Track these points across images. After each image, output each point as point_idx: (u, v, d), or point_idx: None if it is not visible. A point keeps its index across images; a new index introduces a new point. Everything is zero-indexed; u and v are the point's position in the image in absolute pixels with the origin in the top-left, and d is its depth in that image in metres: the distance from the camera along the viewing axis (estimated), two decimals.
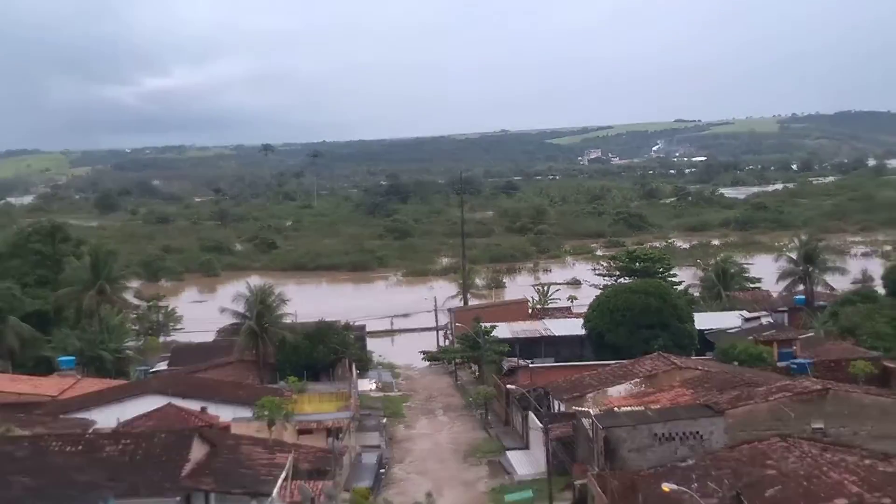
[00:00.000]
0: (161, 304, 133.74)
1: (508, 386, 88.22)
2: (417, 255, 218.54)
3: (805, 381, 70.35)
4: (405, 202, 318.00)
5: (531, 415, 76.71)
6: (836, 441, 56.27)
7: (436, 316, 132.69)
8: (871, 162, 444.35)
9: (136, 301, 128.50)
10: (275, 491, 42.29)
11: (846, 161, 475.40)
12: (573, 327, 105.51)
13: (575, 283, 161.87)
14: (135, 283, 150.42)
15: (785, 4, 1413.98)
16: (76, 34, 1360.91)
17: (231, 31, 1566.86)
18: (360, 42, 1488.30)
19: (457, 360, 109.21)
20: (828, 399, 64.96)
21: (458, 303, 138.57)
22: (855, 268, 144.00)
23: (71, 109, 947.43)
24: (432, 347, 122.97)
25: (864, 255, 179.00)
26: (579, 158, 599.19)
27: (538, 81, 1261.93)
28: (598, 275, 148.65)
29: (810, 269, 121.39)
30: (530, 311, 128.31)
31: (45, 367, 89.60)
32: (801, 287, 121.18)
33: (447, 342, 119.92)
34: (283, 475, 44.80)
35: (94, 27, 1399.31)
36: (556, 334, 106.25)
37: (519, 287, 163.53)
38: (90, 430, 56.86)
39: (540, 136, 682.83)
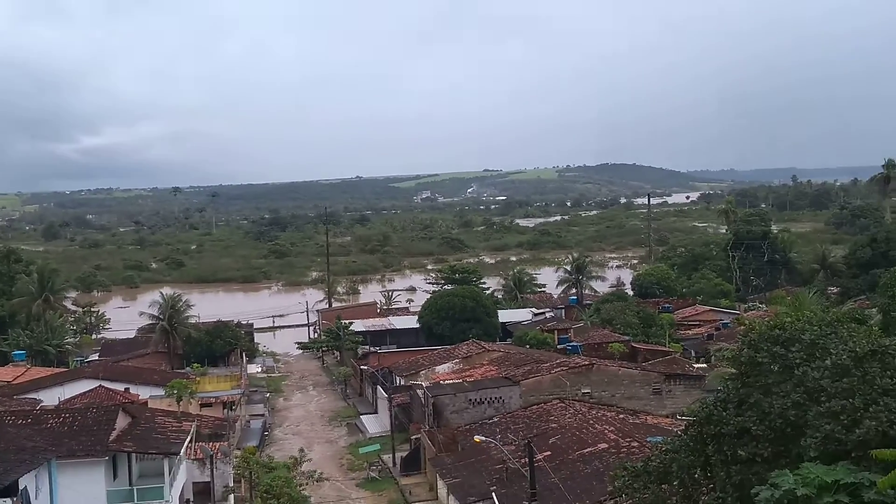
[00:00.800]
0: (93, 309, 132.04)
1: (362, 367, 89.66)
2: (293, 270, 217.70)
3: (577, 359, 72.95)
4: (284, 230, 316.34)
5: (379, 388, 78.23)
6: (599, 402, 59.98)
7: (307, 315, 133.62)
8: (623, 200, 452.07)
9: (73, 307, 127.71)
10: (182, 451, 41.83)
11: (605, 200, 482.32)
12: (410, 322, 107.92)
13: (411, 289, 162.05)
14: (72, 294, 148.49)
15: (560, 90, 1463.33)
16: (31, 105, 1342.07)
17: (150, 103, 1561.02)
18: (251, 107, 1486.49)
19: (323, 349, 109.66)
20: (593, 371, 68.04)
21: (324, 305, 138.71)
22: (611, 276, 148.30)
23: (23, 161, 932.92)
24: (304, 339, 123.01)
25: (618, 266, 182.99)
26: (414, 197, 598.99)
27: (385, 136, 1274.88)
28: (429, 283, 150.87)
29: (580, 277, 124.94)
30: (378, 310, 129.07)
31: (2, 360, 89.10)
32: (573, 290, 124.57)
33: (316, 335, 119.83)
34: (188, 439, 44.25)
35: (44, 99, 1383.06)
36: (398, 327, 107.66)
37: (370, 293, 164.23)
38: (37, 408, 55.85)
39: (385, 181, 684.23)
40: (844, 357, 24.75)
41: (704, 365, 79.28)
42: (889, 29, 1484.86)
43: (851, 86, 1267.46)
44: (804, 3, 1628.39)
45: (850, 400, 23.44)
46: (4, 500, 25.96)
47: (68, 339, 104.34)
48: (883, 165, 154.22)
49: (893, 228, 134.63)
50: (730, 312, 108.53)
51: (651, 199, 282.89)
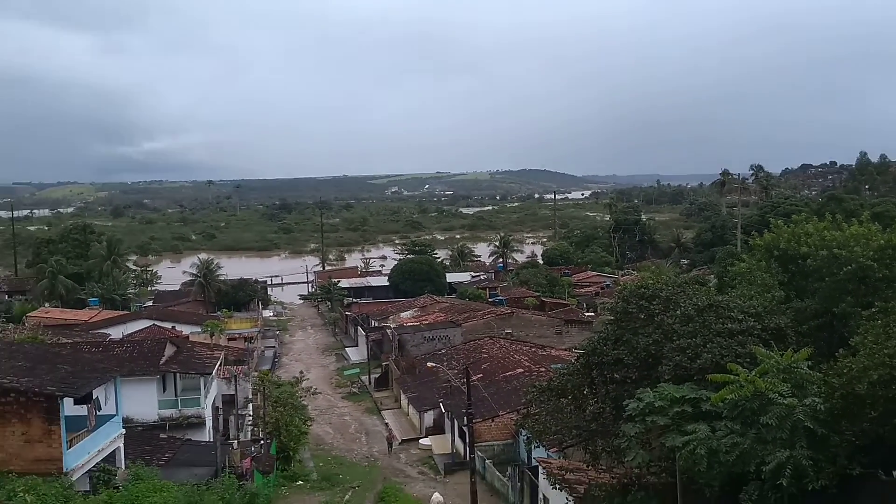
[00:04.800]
0: (148, 268, 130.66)
1: (347, 313, 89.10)
2: (296, 242, 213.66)
3: (502, 308, 73.96)
4: (289, 213, 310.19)
5: (359, 328, 77.62)
6: (517, 339, 60.04)
7: (307, 275, 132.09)
8: (536, 196, 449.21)
9: (133, 267, 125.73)
10: (213, 371, 41.13)
11: (524, 195, 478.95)
12: (382, 281, 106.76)
13: (383, 257, 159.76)
14: (133, 257, 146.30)
15: (495, 113, 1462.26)
16: (106, 117, 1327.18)
17: (191, 117, 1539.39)
18: (265, 120, 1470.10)
19: (318, 300, 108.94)
20: (513, 317, 68.76)
21: (319, 268, 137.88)
22: (528, 250, 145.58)
23: (99, 159, 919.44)
24: (304, 293, 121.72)
25: (533, 243, 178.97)
26: (386, 191, 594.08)
27: (364, 145, 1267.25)
28: (396, 253, 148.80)
29: (505, 250, 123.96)
30: (359, 272, 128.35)
31: (80, 305, 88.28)
32: (500, 260, 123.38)
33: (313, 290, 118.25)
34: (218, 363, 43.37)
35: (115, 113, 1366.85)
36: (373, 285, 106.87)
37: (353, 260, 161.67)
38: (107, 339, 54.56)
39: (364, 178, 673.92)
40: (690, 309, 25.12)
41: (593, 314, 79.84)
42: (722, 65, 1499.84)
43: (699, 113, 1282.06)
44: (665, 46, 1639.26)
45: (694, 339, 23.82)
46: (83, 405, 25.65)
47: (130, 290, 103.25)
48: (720, 174, 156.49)
49: (727, 219, 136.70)
50: (611, 277, 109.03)
51: (556, 195, 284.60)
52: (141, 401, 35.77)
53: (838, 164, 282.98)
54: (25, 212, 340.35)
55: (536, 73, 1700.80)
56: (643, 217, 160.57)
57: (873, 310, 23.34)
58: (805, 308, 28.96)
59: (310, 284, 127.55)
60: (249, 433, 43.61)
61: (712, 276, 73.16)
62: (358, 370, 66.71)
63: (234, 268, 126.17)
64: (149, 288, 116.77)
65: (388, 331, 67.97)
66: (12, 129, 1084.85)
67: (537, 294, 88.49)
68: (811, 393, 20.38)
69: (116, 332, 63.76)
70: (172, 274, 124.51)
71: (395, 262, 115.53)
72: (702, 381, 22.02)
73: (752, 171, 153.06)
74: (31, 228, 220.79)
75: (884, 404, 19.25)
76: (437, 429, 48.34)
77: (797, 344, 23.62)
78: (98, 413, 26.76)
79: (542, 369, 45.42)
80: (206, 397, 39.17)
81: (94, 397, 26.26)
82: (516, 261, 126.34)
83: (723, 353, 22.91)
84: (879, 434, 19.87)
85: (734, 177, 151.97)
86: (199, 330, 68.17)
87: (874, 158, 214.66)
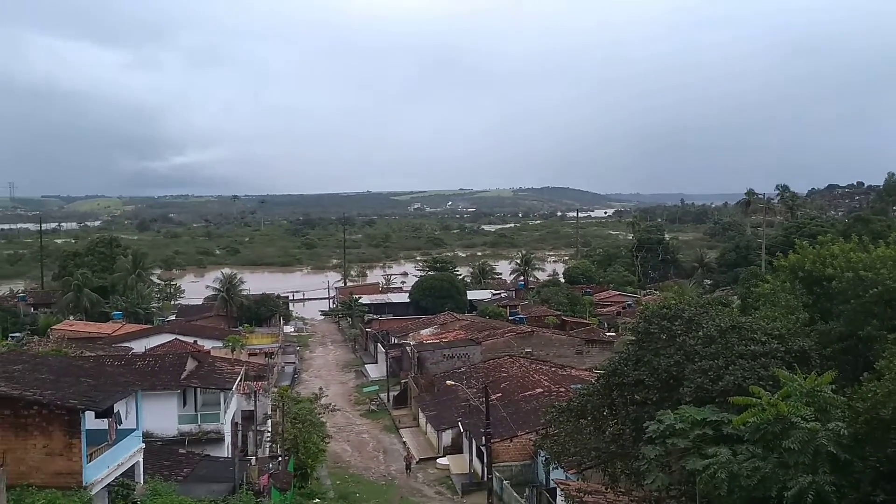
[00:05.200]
0: (172, 282, 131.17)
1: (367, 329, 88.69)
2: (319, 258, 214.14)
3: (522, 327, 73.62)
4: (313, 228, 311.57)
5: (379, 345, 77.23)
6: (537, 358, 59.10)
7: (328, 291, 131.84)
8: (559, 213, 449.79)
9: (158, 281, 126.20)
10: (234, 387, 41.20)
11: (546, 213, 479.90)
12: (403, 297, 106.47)
13: (405, 274, 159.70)
14: (157, 271, 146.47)
15: (516, 129, 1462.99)
16: (134, 132, 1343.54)
17: (218, 132, 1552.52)
18: (290, 136, 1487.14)
19: (339, 316, 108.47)
20: (533, 336, 68.42)
21: (340, 284, 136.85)
22: (549, 268, 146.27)
23: (126, 173, 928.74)
24: (326, 308, 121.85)
25: (554, 261, 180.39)
26: (408, 208, 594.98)
27: (387, 161, 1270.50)
28: (417, 270, 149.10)
29: (527, 268, 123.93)
30: (380, 289, 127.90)
31: (104, 318, 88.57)
32: (522, 278, 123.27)
33: (334, 306, 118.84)
34: (238, 378, 43.49)
35: (143, 128, 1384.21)
36: (394, 301, 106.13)
37: (374, 276, 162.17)
38: (129, 353, 53.66)
39: (387, 195, 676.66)
40: (712, 330, 24.90)
41: (614, 333, 79.26)
42: (749, 87, 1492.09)
43: (725, 134, 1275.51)
44: (690, 69, 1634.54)
45: (716, 361, 23.59)
46: (104, 419, 25.74)
47: (153, 304, 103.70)
48: (745, 193, 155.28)
49: (751, 239, 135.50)
50: (633, 296, 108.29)
51: (579, 213, 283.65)
52: (161, 415, 35.86)
53: (865, 185, 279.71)
54: (53, 225, 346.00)
55: (559, 89, 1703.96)
56: (666, 236, 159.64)
57: None
58: (830, 331, 28.59)
59: (331, 300, 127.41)
60: (268, 449, 43.46)
61: (736, 297, 72.41)
62: (377, 387, 66.56)
63: (256, 283, 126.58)
64: (172, 302, 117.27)
65: (408, 348, 67.71)
66: (42, 142, 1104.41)
67: (558, 313, 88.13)
68: (835, 417, 20.09)
69: (139, 346, 63.92)
70: (196, 288, 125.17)
71: (417, 279, 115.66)
72: (723, 404, 21.80)
73: (777, 192, 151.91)
74: (59, 241, 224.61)
75: None
76: (455, 448, 47.95)
77: (821, 367, 23.33)
78: (118, 427, 26.92)
79: (562, 389, 45.11)
80: (225, 413, 39.23)
81: (115, 411, 26.41)
82: (538, 279, 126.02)
83: (745, 375, 22.68)
84: None
85: (759, 197, 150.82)
86: (221, 345, 68.11)
87: None
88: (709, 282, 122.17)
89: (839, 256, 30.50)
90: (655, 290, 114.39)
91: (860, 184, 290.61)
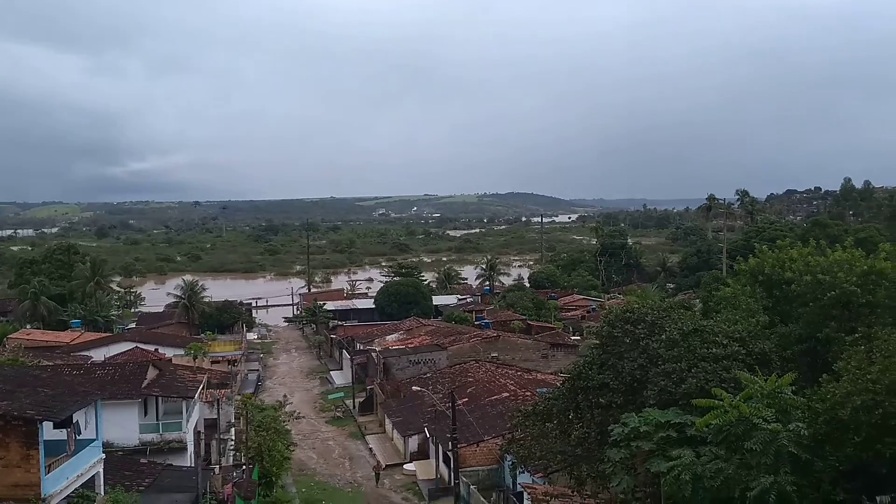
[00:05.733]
0: (132, 290, 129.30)
1: (332, 336, 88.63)
2: (282, 264, 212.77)
3: (488, 332, 73.32)
4: (276, 234, 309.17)
5: (344, 351, 77.00)
6: (503, 363, 59.40)
7: (292, 297, 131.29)
8: (523, 219, 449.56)
9: (117, 288, 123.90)
10: (196, 395, 40.68)
11: (511, 218, 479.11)
12: (368, 303, 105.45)
13: (370, 279, 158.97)
14: (117, 278, 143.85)
15: (482, 136, 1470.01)
16: (93, 137, 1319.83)
17: (180, 137, 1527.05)
18: (253, 142, 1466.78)
19: (303, 322, 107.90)
20: (499, 341, 68.46)
21: (304, 290, 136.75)
22: (514, 273, 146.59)
23: (85, 179, 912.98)
24: (289, 315, 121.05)
25: (519, 266, 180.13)
26: (373, 213, 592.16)
27: (352, 167, 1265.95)
28: (383, 275, 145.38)
29: (492, 273, 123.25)
30: (345, 295, 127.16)
31: (62, 326, 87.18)
32: (487, 282, 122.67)
33: (298, 312, 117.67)
34: (201, 387, 42.76)
35: (103, 133, 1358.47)
36: (359, 307, 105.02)
37: (339, 282, 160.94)
38: (88, 362, 53.60)
39: (352, 200, 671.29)
40: (675, 333, 25.20)
41: (578, 337, 79.64)
42: (713, 100, 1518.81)
43: (686, 142, 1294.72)
44: (650, 70, 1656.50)
45: (679, 364, 23.88)
46: (62, 429, 25.24)
47: (113, 312, 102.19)
48: (706, 199, 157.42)
49: (712, 243, 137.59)
50: (597, 300, 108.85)
51: (543, 218, 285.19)
52: (122, 425, 35.31)
53: (823, 190, 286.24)
54: (9, 232, 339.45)
55: (523, 96, 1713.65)
56: (629, 241, 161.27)
57: (856, 335, 23.51)
58: (789, 333, 29.10)
59: (295, 307, 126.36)
60: (231, 458, 43.02)
61: (697, 300, 73.36)
62: (342, 394, 66.16)
63: (218, 290, 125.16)
64: (132, 310, 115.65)
65: (374, 354, 67.31)
66: None
67: (523, 317, 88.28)
68: (795, 418, 20.46)
69: (98, 355, 62.86)
70: (156, 295, 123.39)
71: (382, 285, 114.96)
72: (687, 406, 22.05)
73: (737, 197, 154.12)
74: (15, 248, 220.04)
75: (867, 430, 19.33)
76: (421, 454, 47.95)
77: (781, 369, 23.71)
78: (78, 437, 26.46)
79: (528, 393, 45.24)
80: (187, 421, 38.76)
81: (74, 421, 25.93)
82: (503, 284, 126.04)
83: (707, 377, 22.99)
84: (863, 460, 19.93)
85: (720, 202, 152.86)
86: (183, 352, 67.50)
87: (858, 184, 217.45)
88: (671, 285, 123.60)
89: (798, 260, 31.08)
90: (619, 293, 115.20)
91: (818, 189, 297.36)
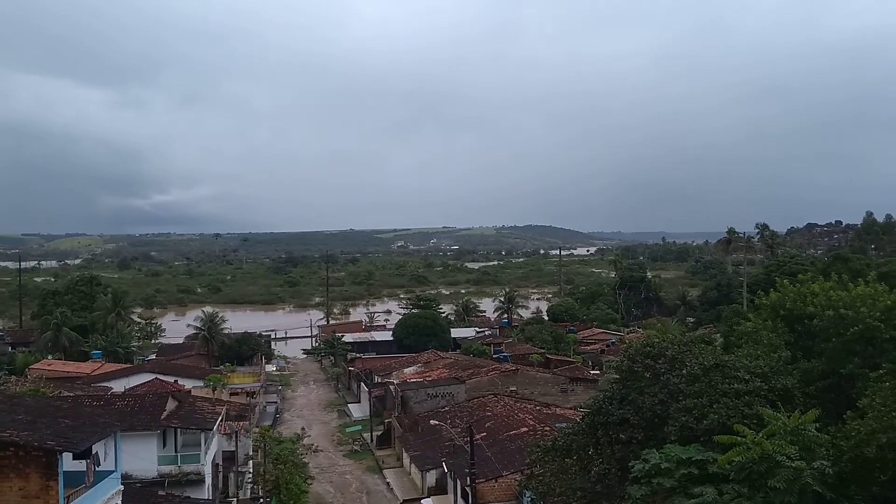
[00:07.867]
0: (153, 321, 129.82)
1: (350, 368, 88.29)
2: (301, 296, 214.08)
3: (506, 365, 72.68)
4: (295, 266, 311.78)
5: (362, 384, 76.61)
6: (522, 397, 58.74)
7: (311, 329, 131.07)
8: (542, 251, 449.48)
9: (138, 319, 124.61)
10: (214, 427, 40.88)
11: (529, 251, 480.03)
12: (386, 336, 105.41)
13: (388, 312, 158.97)
14: (138, 310, 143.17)
15: (501, 170, 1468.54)
16: (116, 170, 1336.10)
17: (202, 171, 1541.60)
18: (274, 175, 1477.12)
19: (322, 354, 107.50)
20: (518, 374, 67.62)
21: (323, 322, 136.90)
22: (533, 306, 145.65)
23: (108, 211, 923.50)
24: (308, 347, 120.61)
25: (538, 299, 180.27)
26: (392, 245, 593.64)
27: (371, 199, 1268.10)
28: (401, 308, 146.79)
29: (510, 306, 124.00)
30: (363, 327, 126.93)
31: (83, 357, 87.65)
32: (505, 315, 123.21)
33: (317, 344, 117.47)
34: (219, 418, 43.00)
35: (126, 166, 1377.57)
36: (377, 339, 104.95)
37: (358, 314, 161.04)
38: (108, 393, 53.43)
39: (371, 233, 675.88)
40: (696, 368, 24.96)
41: (598, 371, 78.89)
42: (732, 135, 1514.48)
43: (707, 175, 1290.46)
44: (671, 105, 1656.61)
45: (700, 399, 23.62)
46: (81, 460, 25.27)
47: (133, 343, 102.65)
48: (726, 232, 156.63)
49: (732, 277, 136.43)
50: (616, 334, 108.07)
51: (562, 251, 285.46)
52: (140, 456, 35.35)
53: (843, 224, 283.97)
54: (33, 263, 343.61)
55: (542, 130, 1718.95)
56: (649, 274, 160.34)
57: (881, 371, 23.16)
58: (812, 369, 28.75)
59: (313, 339, 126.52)
60: (249, 491, 42.89)
61: (718, 334, 72.57)
62: (360, 427, 65.92)
63: (238, 321, 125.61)
64: (152, 341, 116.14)
65: (391, 387, 67.06)
66: (23, 180, 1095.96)
67: (542, 351, 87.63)
68: (819, 456, 20.12)
69: (119, 386, 62.96)
70: (177, 327, 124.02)
71: (400, 317, 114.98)
72: (708, 443, 21.78)
73: (757, 230, 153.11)
74: (38, 280, 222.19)
75: (893, 468, 18.98)
76: (439, 489, 47.29)
77: (804, 405, 23.38)
78: (97, 468, 26.33)
79: (547, 428, 44.83)
80: (206, 453, 38.71)
81: (93, 452, 25.93)
82: (521, 317, 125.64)
83: (729, 413, 22.70)
84: (889, 498, 19.54)
85: (739, 235, 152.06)
86: (202, 384, 67.59)
87: (880, 218, 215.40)
88: (691, 319, 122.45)
89: (819, 295, 30.82)
90: (639, 327, 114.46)
91: (838, 222, 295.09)
